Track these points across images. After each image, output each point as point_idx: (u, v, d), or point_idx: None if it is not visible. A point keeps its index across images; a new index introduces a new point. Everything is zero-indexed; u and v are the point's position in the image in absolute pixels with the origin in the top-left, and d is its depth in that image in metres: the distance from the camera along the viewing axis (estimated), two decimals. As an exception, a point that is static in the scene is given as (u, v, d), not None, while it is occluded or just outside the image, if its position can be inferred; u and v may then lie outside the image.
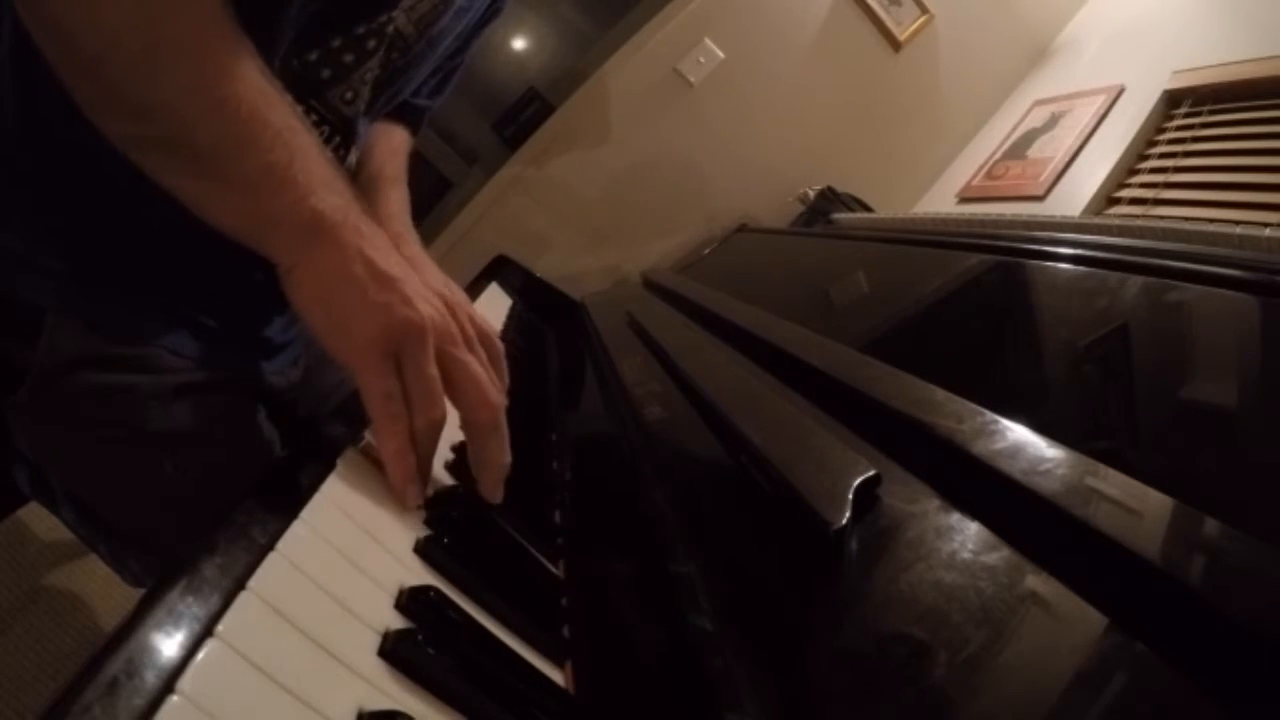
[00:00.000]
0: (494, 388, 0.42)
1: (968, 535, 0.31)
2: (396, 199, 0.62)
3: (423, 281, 0.43)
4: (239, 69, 0.38)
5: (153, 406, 0.50)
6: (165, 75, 0.37)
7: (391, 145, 0.68)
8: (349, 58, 0.52)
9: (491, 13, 0.67)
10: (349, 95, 0.54)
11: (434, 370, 0.40)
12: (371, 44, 0.52)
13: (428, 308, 0.41)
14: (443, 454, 0.47)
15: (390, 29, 0.53)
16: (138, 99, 0.37)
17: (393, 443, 0.39)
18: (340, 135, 0.56)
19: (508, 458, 0.43)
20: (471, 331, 0.44)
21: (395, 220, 0.60)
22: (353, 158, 0.61)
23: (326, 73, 0.51)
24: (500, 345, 0.48)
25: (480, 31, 0.69)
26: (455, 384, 0.41)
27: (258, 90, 0.39)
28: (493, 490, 0.43)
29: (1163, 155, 1.42)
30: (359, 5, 0.50)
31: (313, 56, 0.50)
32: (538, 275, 1.22)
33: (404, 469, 0.40)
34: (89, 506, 0.53)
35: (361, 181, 0.62)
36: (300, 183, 0.39)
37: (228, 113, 0.38)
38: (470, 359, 0.42)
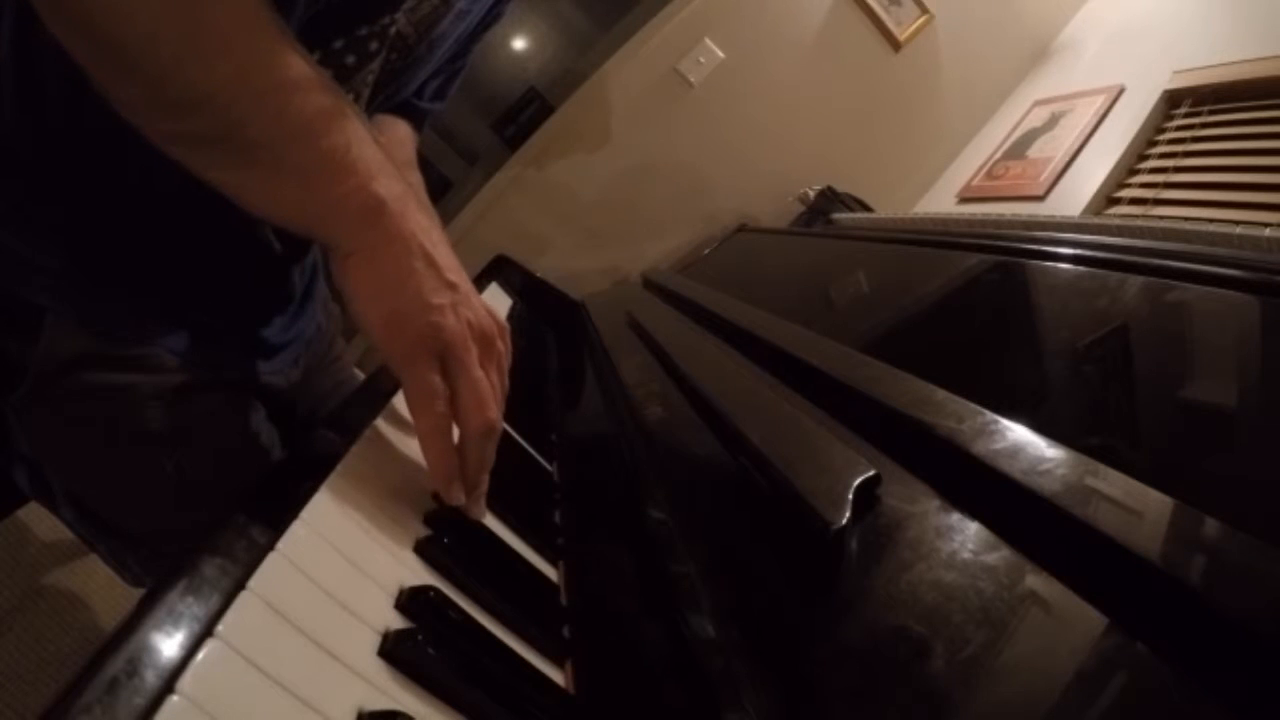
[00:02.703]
0: (494, 405, 0.42)
1: (968, 535, 0.31)
2: (414, 183, 0.62)
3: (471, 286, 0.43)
4: (284, 55, 0.37)
5: (152, 406, 0.49)
6: (210, 67, 0.36)
7: (397, 135, 0.68)
8: (351, 59, 0.52)
9: (492, 17, 0.67)
10: (350, 97, 0.54)
11: (482, 374, 0.40)
12: (374, 45, 0.52)
13: (474, 313, 0.41)
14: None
15: (392, 30, 0.52)
16: (182, 95, 0.36)
17: (437, 442, 0.39)
18: None
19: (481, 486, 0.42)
20: (501, 347, 0.44)
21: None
22: None
23: (328, 74, 0.51)
24: (507, 346, 0.47)
25: (481, 36, 0.69)
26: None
27: (305, 75, 0.38)
28: (474, 505, 0.42)
29: (1163, 155, 1.42)
30: (361, 7, 0.50)
31: (314, 58, 0.50)
32: (538, 275, 1.22)
33: (448, 468, 0.39)
34: (89, 506, 0.53)
35: None
36: (361, 168, 0.39)
37: (279, 101, 0.37)
38: (484, 374, 0.42)
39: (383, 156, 0.41)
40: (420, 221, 0.41)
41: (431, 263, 0.40)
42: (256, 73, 0.37)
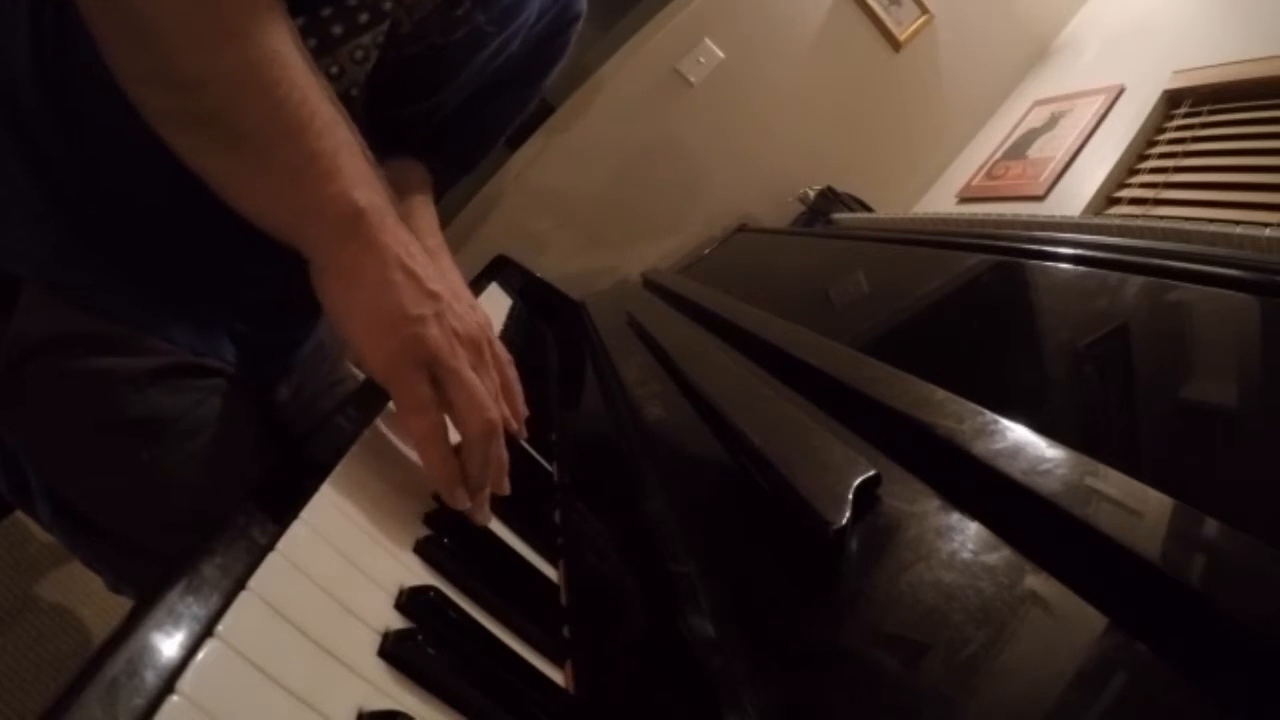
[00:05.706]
0: (493, 406, 0.42)
1: (968, 535, 0.31)
2: (428, 216, 0.63)
3: (453, 294, 0.43)
4: (291, 52, 0.38)
5: (128, 391, 0.48)
6: (220, 51, 0.36)
7: (419, 174, 0.67)
8: (338, 29, 0.51)
9: (530, 95, 0.66)
10: (334, 70, 0.52)
11: (473, 376, 0.40)
12: (363, 18, 0.51)
13: (459, 322, 0.41)
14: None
15: (385, 5, 0.52)
16: (189, 72, 0.37)
17: (435, 451, 0.39)
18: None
19: (504, 488, 0.43)
20: (499, 353, 0.44)
21: (430, 236, 0.60)
22: None
23: (313, 42, 0.50)
24: (515, 374, 0.48)
25: (517, 115, 0.69)
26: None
27: (306, 77, 0.39)
28: (477, 510, 0.42)
29: (1163, 155, 1.42)
30: None
31: (299, 23, 0.49)
32: (538, 275, 1.22)
33: (450, 474, 0.39)
34: (64, 500, 0.51)
35: (398, 191, 0.63)
36: (345, 174, 0.39)
37: (279, 95, 0.37)
38: (478, 379, 0.42)
39: (370, 170, 0.41)
40: (399, 235, 0.40)
41: (410, 274, 0.39)
42: (260, 65, 0.37)
